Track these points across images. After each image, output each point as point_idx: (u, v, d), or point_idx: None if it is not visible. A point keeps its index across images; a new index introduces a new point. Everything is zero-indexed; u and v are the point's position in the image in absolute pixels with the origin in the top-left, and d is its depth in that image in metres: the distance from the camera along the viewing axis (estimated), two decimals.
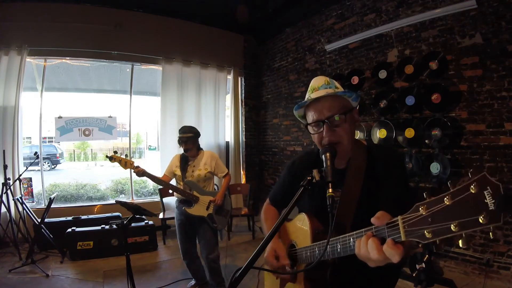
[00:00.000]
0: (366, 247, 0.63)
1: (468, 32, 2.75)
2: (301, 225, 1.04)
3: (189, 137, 2.60)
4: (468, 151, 2.77)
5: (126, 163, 2.48)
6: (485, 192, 0.43)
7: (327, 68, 4.24)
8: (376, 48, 3.56)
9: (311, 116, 1.01)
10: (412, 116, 3.14)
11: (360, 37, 3.70)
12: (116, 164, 2.50)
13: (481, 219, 0.43)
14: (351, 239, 0.74)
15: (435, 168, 2.88)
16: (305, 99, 1.03)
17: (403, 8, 3.25)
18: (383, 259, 0.61)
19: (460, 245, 0.47)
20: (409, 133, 3.07)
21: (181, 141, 2.61)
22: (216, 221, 2.62)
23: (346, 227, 0.95)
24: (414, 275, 2.54)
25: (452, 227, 0.46)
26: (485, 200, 0.43)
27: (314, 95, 0.99)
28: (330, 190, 0.82)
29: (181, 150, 2.69)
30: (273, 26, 5.13)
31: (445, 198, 0.48)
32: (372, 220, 0.65)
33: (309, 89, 1.04)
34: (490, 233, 0.44)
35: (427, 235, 0.50)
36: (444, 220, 0.48)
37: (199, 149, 2.73)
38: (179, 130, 2.67)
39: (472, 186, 0.44)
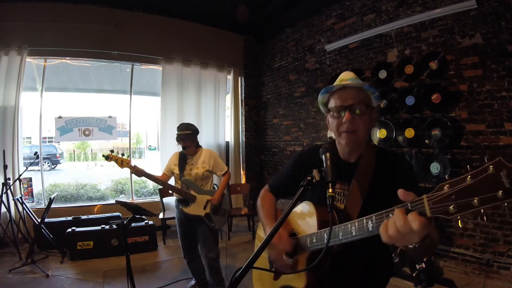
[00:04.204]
0: (403, 221, 0.63)
1: (468, 32, 2.76)
2: (305, 214, 1.04)
3: (187, 135, 2.56)
4: (468, 151, 2.77)
5: (122, 162, 2.45)
6: (501, 173, 0.50)
7: (327, 68, 4.24)
8: (376, 48, 3.56)
9: (334, 103, 1.04)
10: (412, 116, 3.14)
11: (360, 37, 3.70)
12: (115, 163, 2.49)
13: (499, 194, 0.50)
14: (369, 221, 0.76)
15: (435, 168, 2.88)
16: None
17: (403, 8, 3.25)
18: (422, 229, 0.61)
19: (479, 219, 0.54)
20: (409, 133, 3.07)
21: (179, 139, 2.58)
22: (214, 221, 2.58)
23: (352, 219, 0.97)
24: (414, 275, 2.54)
25: (474, 202, 0.53)
26: (502, 180, 0.50)
27: (343, 83, 1.03)
28: (330, 190, 0.84)
29: (180, 148, 2.67)
30: (273, 26, 5.13)
31: (468, 178, 0.54)
32: (400, 192, 0.67)
33: (337, 79, 1.08)
34: (506, 208, 0.51)
35: (451, 210, 0.56)
36: (466, 196, 0.54)
37: (197, 146, 2.70)
38: (177, 128, 2.64)
39: (491, 167, 0.52)
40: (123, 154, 2.49)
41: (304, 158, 1.21)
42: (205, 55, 5.06)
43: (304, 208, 1.07)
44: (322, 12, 4.28)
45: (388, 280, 1.11)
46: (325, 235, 0.91)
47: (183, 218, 2.62)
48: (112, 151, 2.51)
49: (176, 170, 2.62)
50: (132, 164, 2.49)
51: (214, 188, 2.78)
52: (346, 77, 1.06)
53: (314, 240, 0.96)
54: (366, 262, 0.98)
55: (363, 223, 0.78)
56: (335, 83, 1.06)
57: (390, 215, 0.69)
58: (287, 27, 4.97)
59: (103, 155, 2.52)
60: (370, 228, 0.75)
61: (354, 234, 0.80)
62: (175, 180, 2.68)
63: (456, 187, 0.56)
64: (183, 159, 2.64)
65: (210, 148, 4.79)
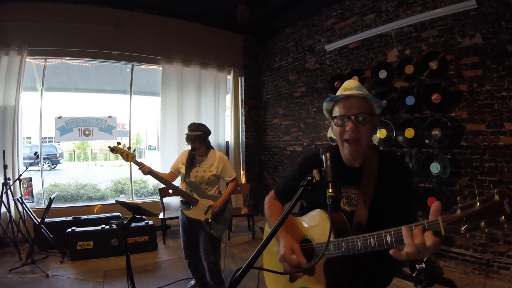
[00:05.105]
0: (422, 237, 0.72)
1: (468, 32, 2.75)
2: (319, 221, 1.06)
3: (196, 136, 2.48)
4: (468, 151, 2.77)
5: (127, 156, 2.42)
6: (504, 201, 0.59)
7: (327, 68, 4.24)
8: (376, 48, 3.56)
9: (338, 111, 1.07)
10: (412, 116, 3.14)
11: (360, 37, 3.70)
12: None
13: (501, 219, 0.60)
14: (388, 235, 0.81)
15: (435, 168, 2.88)
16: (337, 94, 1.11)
17: (403, 8, 3.25)
18: (435, 248, 0.71)
19: (483, 235, 0.67)
20: (409, 133, 3.07)
21: (188, 139, 2.49)
22: (213, 228, 2.47)
23: (363, 224, 1.02)
24: (414, 275, 2.55)
25: (481, 225, 0.63)
26: (504, 207, 0.59)
27: (347, 93, 1.06)
28: (330, 190, 0.84)
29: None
30: (273, 26, 5.13)
31: (476, 204, 0.64)
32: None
33: (341, 88, 1.11)
34: (505, 228, 0.62)
35: (463, 230, 0.65)
36: (475, 219, 0.64)
37: (209, 147, 2.62)
38: (188, 127, 2.56)
39: (496, 196, 0.61)
40: (129, 148, 2.46)
41: (309, 162, 1.21)
42: (205, 55, 5.06)
43: (315, 214, 1.08)
44: (322, 12, 4.28)
45: (397, 269, 1.17)
46: (343, 244, 0.92)
47: (185, 220, 2.58)
48: (119, 143, 2.47)
49: (183, 170, 2.55)
50: (139, 161, 2.45)
51: (219, 194, 2.67)
52: (350, 85, 1.08)
53: (332, 248, 0.97)
54: (379, 258, 1.00)
55: (381, 237, 0.82)
56: (338, 92, 1.09)
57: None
58: (287, 27, 4.97)
59: (109, 147, 2.48)
60: (389, 242, 0.80)
61: (373, 246, 0.84)
62: (181, 180, 2.62)
63: (467, 211, 0.65)
64: (191, 160, 2.57)
65: None
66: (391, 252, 0.78)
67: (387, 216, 1.01)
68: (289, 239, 1.07)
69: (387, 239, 0.81)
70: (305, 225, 1.13)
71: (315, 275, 1.02)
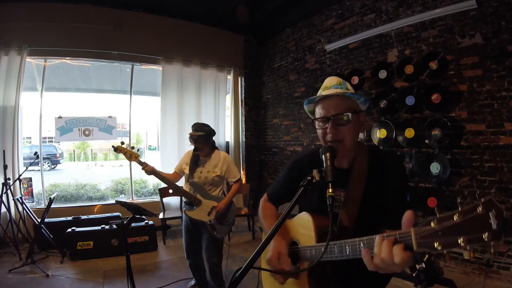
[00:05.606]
0: (389, 251, 0.65)
1: (468, 32, 2.75)
2: (304, 224, 1.04)
3: (199, 136, 2.47)
4: (468, 151, 2.77)
5: (131, 156, 2.43)
6: (490, 213, 0.49)
7: (327, 68, 4.24)
8: (376, 48, 3.56)
9: (318, 112, 1.05)
10: (412, 116, 3.14)
11: (360, 37, 3.70)
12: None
13: (484, 236, 0.49)
14: (361, 243, 0.76)
15: (435, 168, 2.88)
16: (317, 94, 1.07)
17: (403, 8, 3.25)
18: (405, 264, 0.64)
19: (465, 256, 0.53)
20: (409, 133, 3.07)
21: (191, 139, 2.49)
22: (216, 229, 2.45)
23: (349, 228, 0.97)
24: (414, 275, 2.54)
25: (459, 241, 0.52)
26: (490, 221, 0.49)
27: (324, 93, 1.03)
28: (330, 190, 0.83)
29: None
30: (273, 26, 5.13)
31: (455, 216, 0.53)
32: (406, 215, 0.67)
33: (321, 87, 1.08)
34: (491, 249, 0.49)
35: (437, 246, 0.55)
36: (453, 234, 0.53)
37: (213, 148, 2.60)
38: (191, 127, 2.56)
39: (479, 208, 0.50)
40: (132, 148, 2.47)
41: (300, 164, 1.20)
42: (205, 55, 5.06)
43: (302, 217, 1.07)
44: (322, 12, 4.28)
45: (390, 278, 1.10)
46: (322, 250, 0.88)
47: (188, 221, 2.57)
48: (122, 142, 2.48)
49: (187, 170, 2.54)
50: (143, 161, 2.46)
51: (224, 195, 2.66)
52: (329, 84, 1.05)
53: (314, 253, 0.96)
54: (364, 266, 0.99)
55: (356, 244, 0.77)
56: (319, 91, 1.07)
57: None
58: (287, 27, 4.97)
59: (113, 146, 2.49)
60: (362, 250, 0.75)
61: (348, 253, 0.79)
62: (185, 181, 2.61)
63: (443, 224, 0.55)
64: (195, 160, 2.55)
65: None
66: (362, 252, 0.72)
67: (377, 220, 0.96)
68: (278, 242, 1.03)
69: (361, 247, 0.75)
70: (292, 228, 1.12)
71: (300, 279, 1.01)
